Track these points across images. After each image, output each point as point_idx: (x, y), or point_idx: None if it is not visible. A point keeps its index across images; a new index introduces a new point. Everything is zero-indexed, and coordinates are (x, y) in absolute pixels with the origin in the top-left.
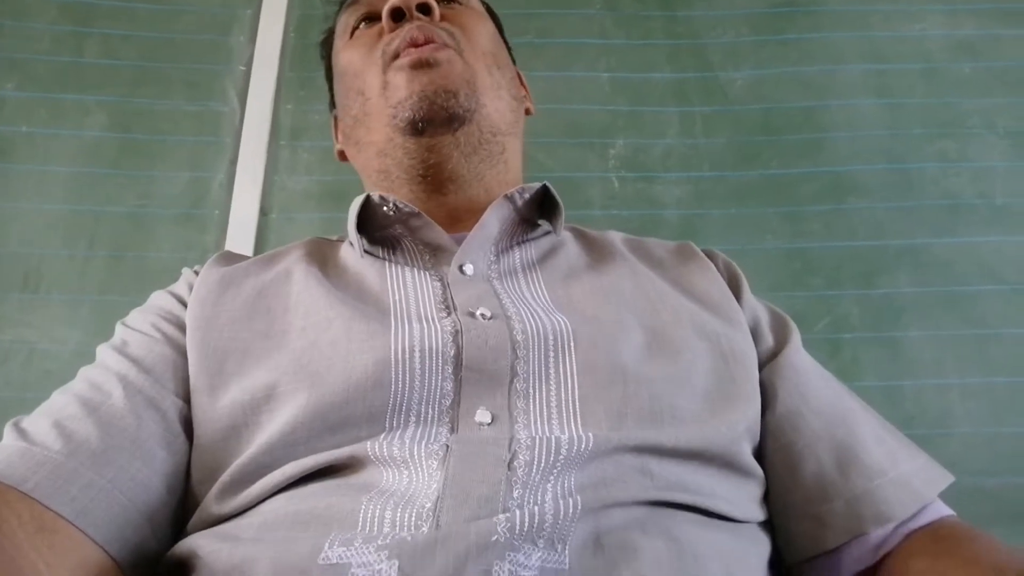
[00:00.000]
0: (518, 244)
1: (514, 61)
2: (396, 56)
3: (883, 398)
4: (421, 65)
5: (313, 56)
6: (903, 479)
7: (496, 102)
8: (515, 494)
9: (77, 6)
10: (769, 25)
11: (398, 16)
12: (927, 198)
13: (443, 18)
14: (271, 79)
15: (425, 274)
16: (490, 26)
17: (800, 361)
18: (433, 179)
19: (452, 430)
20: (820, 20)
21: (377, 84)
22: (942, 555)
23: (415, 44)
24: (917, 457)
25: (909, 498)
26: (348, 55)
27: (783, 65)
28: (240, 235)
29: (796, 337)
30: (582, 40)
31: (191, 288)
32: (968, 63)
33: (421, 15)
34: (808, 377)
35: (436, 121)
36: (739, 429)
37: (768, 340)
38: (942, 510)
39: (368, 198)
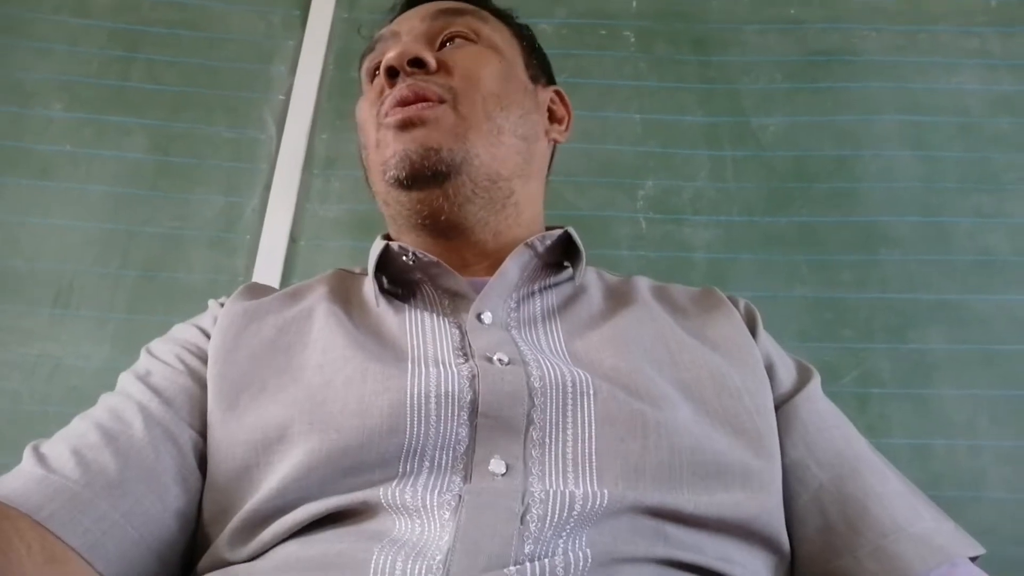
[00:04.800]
0: (540, 291)
1: (552, 81)
2: (387, 116)
3: (912, 456)
4: (406, 125)
5: (350, 88)
6: (923, 536)
7: (493, 148)
8: (526, 550)
9: (126, 32)
10: (803, 73)
11: (393, 73)
12: (962, 253)
13: (441, 65)
14: (308, 109)
15: (444, 320)
16: (496, 63)
17: (813, 408)
18: (432, 227)
19: (466, 478)
20: (855, 70)
21: (372, 141)
22: None
23: (403, 103)
24: (944, 522)
25: (928, 553)
26: (360, 106)
27: (817, 113)
28: (269, 261)
29: (814, 383)
30: (616, 82)
31: (215, 321)
32: (1006, 119)
33: (416, 69)
34: (820, 425)
35: (420, 178)
36: (763, 496)
37: (782, 383)
38: (974, 573)
39: (388, 248)
